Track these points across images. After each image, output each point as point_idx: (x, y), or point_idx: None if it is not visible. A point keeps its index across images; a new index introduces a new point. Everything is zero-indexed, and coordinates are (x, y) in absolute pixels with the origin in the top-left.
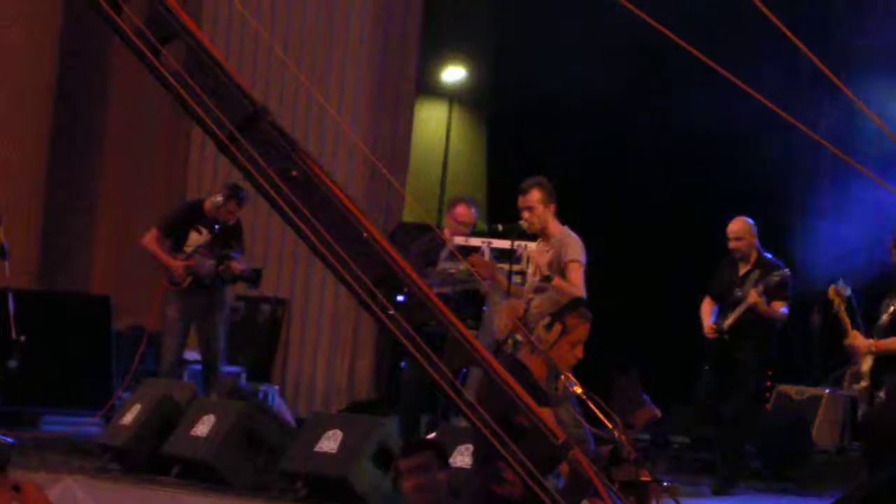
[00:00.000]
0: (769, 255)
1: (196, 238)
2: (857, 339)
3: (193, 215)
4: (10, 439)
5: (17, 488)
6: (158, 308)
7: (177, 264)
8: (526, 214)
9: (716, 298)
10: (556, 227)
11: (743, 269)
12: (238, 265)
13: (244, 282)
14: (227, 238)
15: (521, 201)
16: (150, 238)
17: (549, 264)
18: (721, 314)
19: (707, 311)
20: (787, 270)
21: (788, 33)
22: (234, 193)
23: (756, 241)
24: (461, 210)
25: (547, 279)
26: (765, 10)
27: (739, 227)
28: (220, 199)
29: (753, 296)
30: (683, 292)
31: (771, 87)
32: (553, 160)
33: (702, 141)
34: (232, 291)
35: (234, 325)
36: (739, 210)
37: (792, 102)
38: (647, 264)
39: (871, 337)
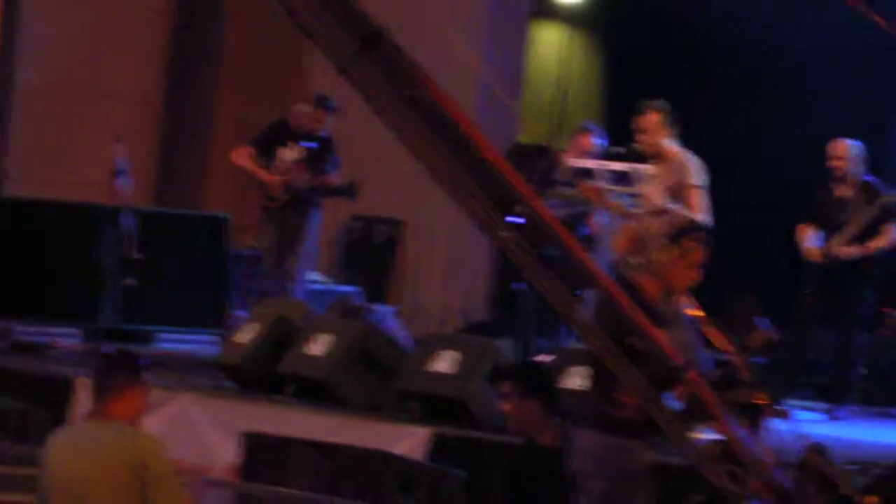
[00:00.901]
0: (871, 178)
1: (286, 153)
2: None
3: (281, 131)
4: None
5: None
6: (257, 227)
7: (274, 179)
8: (641, 136)
9: (816, 223)
10: (673, 151)
11: (843, 192)
12: (334, 178)
13: (341, 195)
14: (321, 152)
15: (637, 123)
16: (244, 154)
17: (669, 188)
18: (825, 239)
19: (807, 236)
20: None
21: None
22: (320, 102)
23: (858, 166)
24: (587, 140)
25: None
26: None
27: (841, 147)
28: (307, 107)
29: (858, 223)
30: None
31: None
32: (674, 83)
33: (839, 63)
34: (347, 210)
35: (349, 245)
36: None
37: None
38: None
39: None
